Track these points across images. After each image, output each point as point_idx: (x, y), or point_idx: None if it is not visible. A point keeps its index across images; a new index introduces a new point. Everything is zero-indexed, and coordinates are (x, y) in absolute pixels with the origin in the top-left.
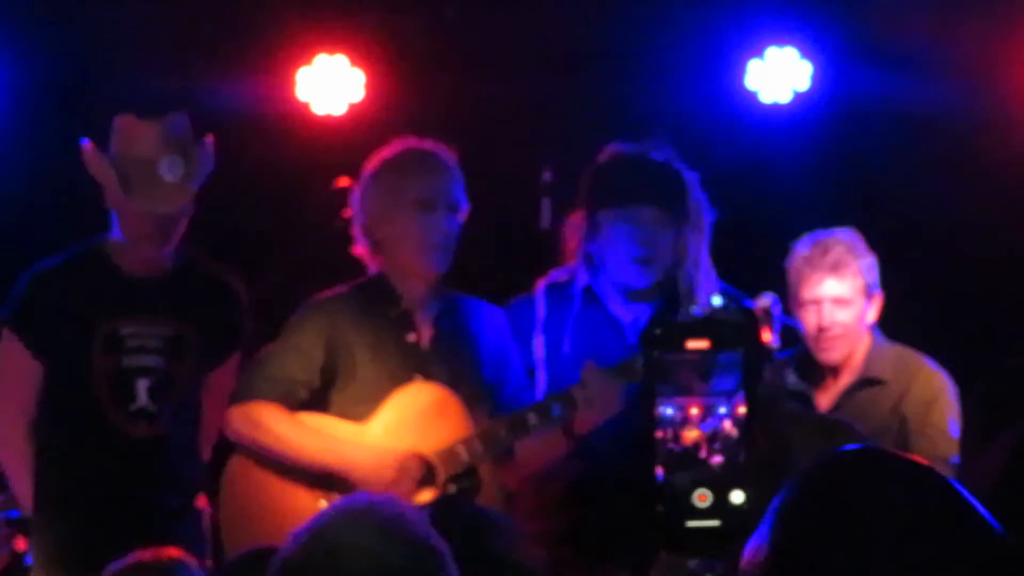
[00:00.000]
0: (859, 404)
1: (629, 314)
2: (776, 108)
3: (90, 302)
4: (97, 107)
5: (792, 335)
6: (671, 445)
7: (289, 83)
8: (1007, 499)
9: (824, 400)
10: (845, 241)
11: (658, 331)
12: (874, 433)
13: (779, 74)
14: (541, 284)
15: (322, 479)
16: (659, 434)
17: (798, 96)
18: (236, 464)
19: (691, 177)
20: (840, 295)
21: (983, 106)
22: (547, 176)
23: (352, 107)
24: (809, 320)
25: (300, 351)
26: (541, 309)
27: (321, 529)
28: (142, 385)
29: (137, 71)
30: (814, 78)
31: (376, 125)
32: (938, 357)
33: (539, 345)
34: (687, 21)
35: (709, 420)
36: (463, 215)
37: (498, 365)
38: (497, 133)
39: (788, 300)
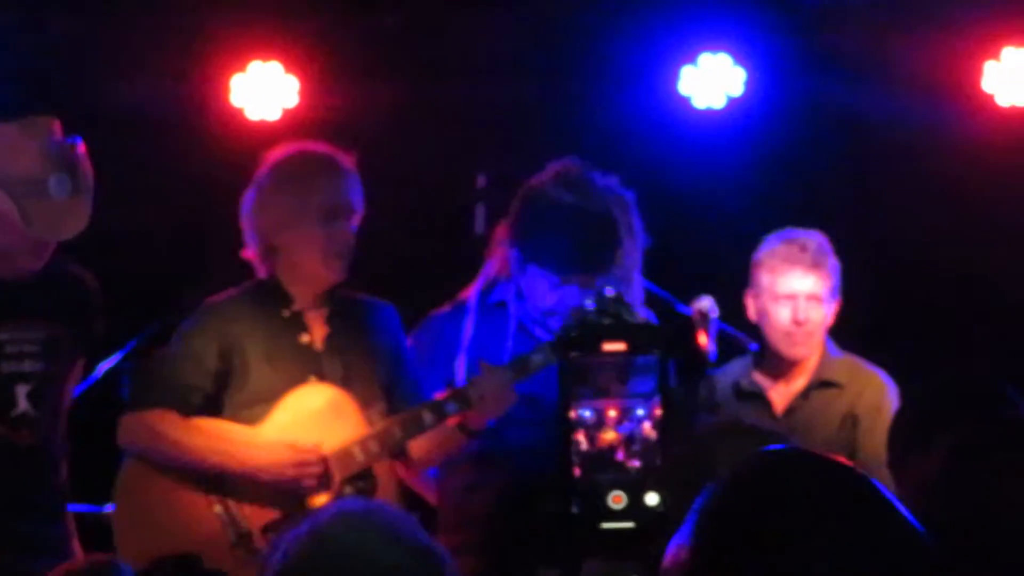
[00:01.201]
0: (814, 406)
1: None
2: (710, 113)
3: None
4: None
5: (728, 340)
6: (588, 447)
7: (223, 89)
8: (942, 504)
9: (779, 400)
10: (819, 240)
11: (575, 334)
12: (828, 436)
13: (712, 80)
14: (473, 300)
15: (218, 485)
16: (576, 436)
17: (732, 101)
18: (130, 472)
19: (628, 197)
20: (815, 292)
21: (917, 111)
22: (481, 182)
23: (286, 112)
24: (782, 315)
25: (193, 357)
26: (469, 328)
27: (324, 534)
28: (21, 391)
29: (72, 78)
30: (747, 84)
31: (310, 130)
32: (876, 362)
33: (461, 365)
34: (621, 28)
35: (627, 423)
36: (358, 218)
37: (392, 363)
38: (432, 139)
39: (752, 294)
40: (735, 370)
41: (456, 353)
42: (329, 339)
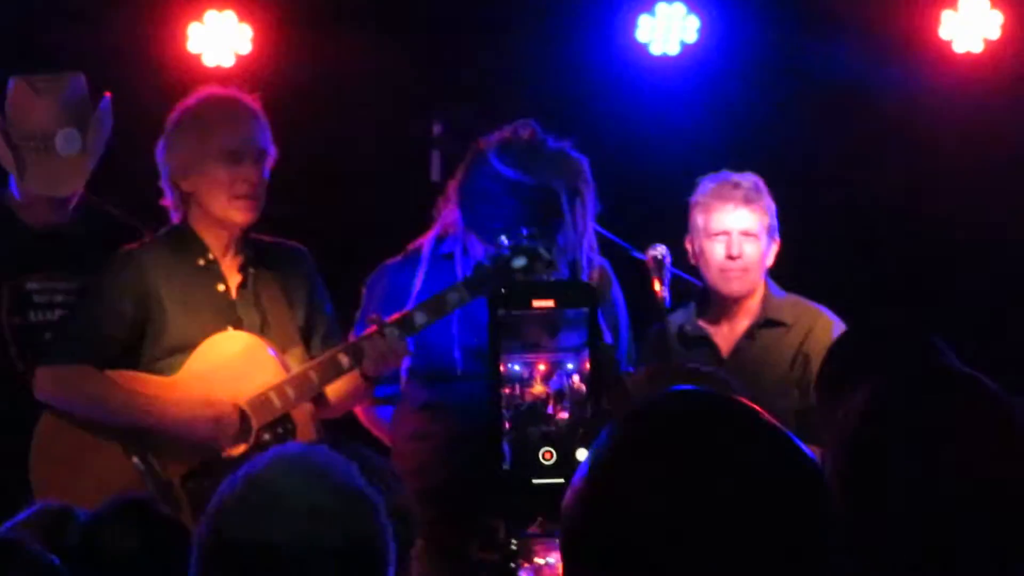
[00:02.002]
0: (761, 345)
1: None
2: (665, 60)
3: None
4: None
5: (684, 287)
6: (518, 402)
7: (181, 37)
8: (863, 445)
9: (724, 343)
10: (753, 179)
11: (504, 290)
12: (778, 375)
13: (668, 28)
14: (426, 250)
15: (135, 437)
16: (506, 390)
17: (686, 48)
18: (47, 424)
19: (582, 160)
20: (749, 228)
21: (873, 58)
22: (437, 129)
23: (240, 59)
24: (716, 252)
25: (109, 307)
26: (420, 278)
27: (256, 476)
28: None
29: (30, 25)
30: (701, 31)
31: (264, 77)
32: (828, 306)
33: None
34: None
35: (556, 376)
36: (271, 162)
37: (308, 307)
38: (388, 87)
39: (690, 236)
40: (679, 317)
41: (406, 302)
42: (244, 287)
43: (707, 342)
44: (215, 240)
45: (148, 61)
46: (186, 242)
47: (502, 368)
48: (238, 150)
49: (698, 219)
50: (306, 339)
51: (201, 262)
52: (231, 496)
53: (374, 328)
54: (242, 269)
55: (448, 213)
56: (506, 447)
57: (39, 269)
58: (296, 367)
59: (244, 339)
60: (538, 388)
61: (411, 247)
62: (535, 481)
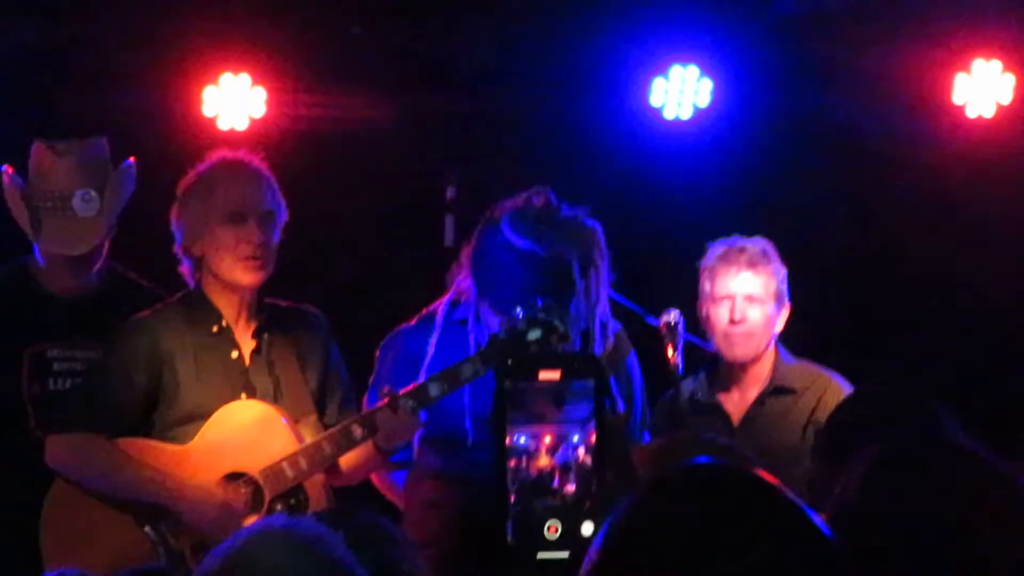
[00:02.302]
0: (771, 413)
1: None
2: (679, 124)
3: (16, 325)
4: (11, 126)
5: (698, 354)
6: (523, 475)
7: (196, 100)
8: (861, 516)
9: (735, 411)
10: (761, 244)
11: (510, 361)
12: (789, 444)
13: (681, 91)
14: (439, 316)
15: (147, 507)
16: (511, 463)
17: (700, 112)
18: (58, 491)
19: (596, 227)
20: (753, 292)
21: (886, 122)
22: (451, 193)
23: (254, 122)
24: (720, 315)
25: (122, 375)
26: (433, 344)
27: (238, 551)
28: None
29: (50, 90)
30: (715, 94)
31: (278, 140)
32: (842, 371)
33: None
34: (591, 39)
35: (562, 449)
36: (280, 223)
37: (322, 372)
38: (401, 150)
39: (699, 302)
40: (690, 384)
41: (420, 368)
42: (258, 352)
43: (718, 410)
44: (227, 305)
45: (164, 125)
46: (199, 308)
47: (508, 440)
48: (241, 211)
49: (705, 284)
50: (320, 405)
51: (215, 328)
52: (213, 571)
53: (387, 400)
54: (256, 334)
55: (461, 280)
56: (510, 520)
57: (60, 337)
58: (309, 435)
59: (258, 408)
60: (544, 461)
61: (425, 312)
62: (540, 555)
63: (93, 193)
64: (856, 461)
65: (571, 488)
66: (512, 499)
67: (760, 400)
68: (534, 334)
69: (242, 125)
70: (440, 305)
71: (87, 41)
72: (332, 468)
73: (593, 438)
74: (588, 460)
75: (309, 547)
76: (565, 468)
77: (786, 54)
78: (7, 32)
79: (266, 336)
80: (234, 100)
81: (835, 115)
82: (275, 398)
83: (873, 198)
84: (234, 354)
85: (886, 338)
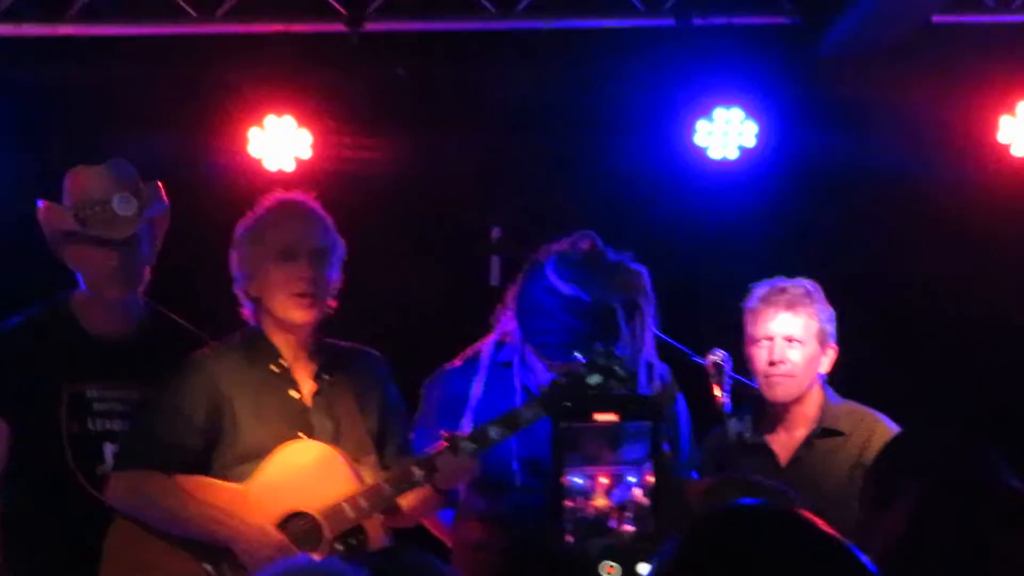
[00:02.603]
0: (819, 454)
1: None
2: (724, 165)
3: (55, 364)
4: (56, 168)
5: (744, 392)
6: (580, 515)
7: (242, 141)
8: (908, 556)
9: (782, 451)
10: (804, 285)
11: (567, 403)
12: (837, 486)
13: (726, 132)
14: (485, 357)
15: (208, 548)
16: (568, 504)
17: (745, 153)
18: (119, 530)
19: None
20: (792, 333)
21: (932, 163)
22: (496, 233)
23: (300, 163)
24: (760, 356)
25: (181, 414)
26: (479, 386)
27: None
28: (109, 449)
29: (95, 131)
30: (760, 136)
31: (323, 181)
32: (893, 413)
33: (468, 422)
34: (637, 80)
35: (618, 490)
36: (334, 259)
37: (382, 414)
38: (446, 190)
39: (745, 344)
40: (738, 424)
41: (464, 409)
42: (318, 394)
43: (766, 450)
44: (285, 345)
45: (210, 166)
46: (258, 347)
47: (563, 481)
48: (291, 248)
49: (747, 325)
50: (379, 446)
51: (274, 368)
52: None
53: (445, 444)
54: (317, 376)
55: (506, 321)
56: (568, 560)
57: (99, 377)
58: (369, 476)
59: (317, 448)
60: (600, 501)
61: (470, 352)
62: None
63: (130, 195)
64: (903, 499)
65: (628, 528)
66: (569, 539)
67: (807, 442)
68: (595, 379)
69: (289, 166)
70: (485, 346)
71: (131, 83)
72: (392, 509)
73: (650, 478)
74: (645, 501)
75: None
76: (622, 508)
77: (830, 95)
78: (53, 73)
79: (326, 377)
80: (279, 142)
81: (880, 156)
82: (335, 439)
83: (920, 239)
84: (294, 394)
85: (933, 377)
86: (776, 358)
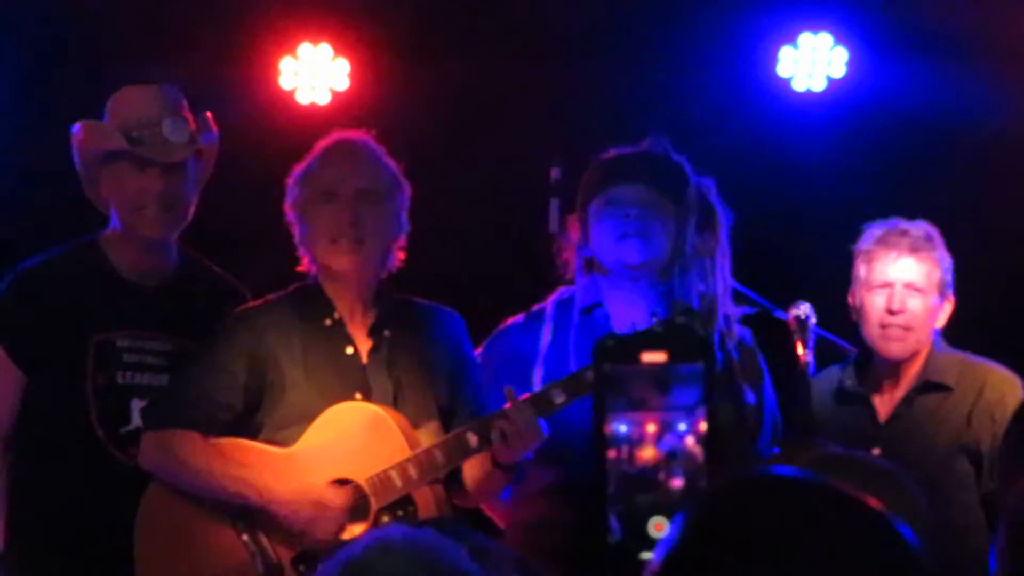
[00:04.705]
0: (921, 411)
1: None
2: (810, 96)
3: (83, 308)
4: (85, 99)
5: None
6: (625, 467)
7: (272, 72)
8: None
9: (883, 407)
10: (925, 228)
11: (611, 343)
12: (941, 442)
13: (813, 61)
14: (550, 306)
15: (245, 514)
16: (611, 454)
17: (833, 84)
18: (154, 496)
19: (705, 182)
20: (914, 281)
21: None
22: (556, 174)
23: (336, 96)
24: (876, 305)
25: (220, 370)
26: (547, 335)
27: (357, 561)
28: (136, 406)
29: (121, 61)
30: (850, 65)
31: (362, 116)
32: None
33: (537, 378)
34: (716, 6)
35: (667, 438)
36: (392, 204)
37: (453, 379)
38: (497, 126)
39: (854, 290)
40: (834, 373)
41: (532, 366)
42: (376, 351)
43: (865, 401)
44: (340, 298)
45: (238, 99)
46: (311, 301)
47: (607, 429)
48: (331, 190)
49: (860, 269)
50: (446, 414)
51: (328, 322)
52: None
53: (507, 405)
54: (373, 331)
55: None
56: (613, 519)
57: (132, 324)
58: (428, 442)
59: (369, 411)
60: (648, 451)
61: (533, 308)
62: (643, 556)
63: (182, 121)
64: None
65: (677, 483)
66: (612, 494)
67: (908, 398)
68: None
69: (323, 99)
70: (550, 298)
71: (150, 8)
72: (456, 486)
73: (702, 426)
74: (697, 450)
75: (434, 560)
76: (670, 458)
77: (930, 21)
78: (81, 5)
79: (387, 333)
80: (314, 72)
81: (981, 86)
82: (394, 401)
83: (1016, 176)
84: (349, 350)
85: None
86: (896, 307)
